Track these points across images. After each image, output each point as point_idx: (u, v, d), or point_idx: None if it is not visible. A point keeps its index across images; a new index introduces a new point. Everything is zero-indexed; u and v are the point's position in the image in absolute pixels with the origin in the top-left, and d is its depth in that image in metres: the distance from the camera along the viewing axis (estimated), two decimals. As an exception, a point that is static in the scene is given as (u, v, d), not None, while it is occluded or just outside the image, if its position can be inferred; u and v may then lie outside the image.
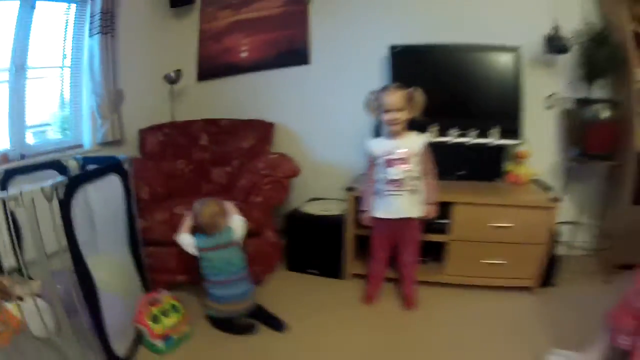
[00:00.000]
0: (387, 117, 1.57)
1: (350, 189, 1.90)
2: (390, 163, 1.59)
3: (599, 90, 2.06)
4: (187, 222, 1.60)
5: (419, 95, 1.57)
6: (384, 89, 1.59)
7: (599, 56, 1.95)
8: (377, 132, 2.21)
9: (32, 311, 1.32)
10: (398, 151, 1.59)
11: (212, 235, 1.55)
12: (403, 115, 1.57)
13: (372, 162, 1.68)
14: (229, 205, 1.64)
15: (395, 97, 1.55)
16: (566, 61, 2.12)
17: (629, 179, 1.98)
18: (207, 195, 1.71)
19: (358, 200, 1.93)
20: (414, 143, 1.61)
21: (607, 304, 1.30)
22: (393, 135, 1.61)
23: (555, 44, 1.99)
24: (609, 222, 2.18)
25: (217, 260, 1.55)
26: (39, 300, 1.37)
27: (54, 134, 2.19)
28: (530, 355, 1.50)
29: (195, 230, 1.59)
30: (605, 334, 1.29)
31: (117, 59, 2.18)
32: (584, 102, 2.01)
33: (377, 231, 1.75)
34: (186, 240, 1.58)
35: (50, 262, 1.15)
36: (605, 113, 1.93)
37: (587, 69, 2.02)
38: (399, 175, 1.58)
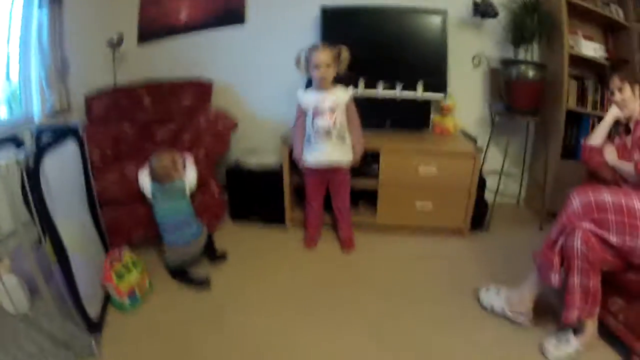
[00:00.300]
0: (316, 72, 1.69)
1: (285, 140, 2.02)
2: (317, 113, 1.73)
3: (523, 53, 2.22)
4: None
5: (345, 53, 1.71)
6: (313, 47, 1.71)
7: (528, 22, 2.09)
8: (308, 87, 2.34)
9: (2, 291, 1.38)
10: (325, 103, 1.72)
11: (164, 185, 1.67)
12: (331, 71, 1.70)
13: (300, 112, 1.81)
14: (186, 158, 1.77)
15: (324, 55, 1.67)
16: (494, 25, 2.28)
17: (558, 135, 2.16)
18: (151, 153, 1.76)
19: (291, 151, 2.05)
20: (340, 96, 1.75)
21: (537, 247, 1.41)
22: (321, 88, 1.74)
23: (483, 9, 2.12)
24: (539, 173, 2.36)
25: (167, 209, 1.67)
26: (11, 278, 1.43)
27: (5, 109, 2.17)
28: (463, 291, 1.64)
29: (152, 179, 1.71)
30: (535, 271, 1.38)
31: (63, 27, 2.18)
32: (509, 63, 2.17)
33: (310, 179, 1.91)
34: (144, 183, 1.70)
35: (18, 236, 1.17)
36: (529, 73, 2.09)
37: (515, 34, 2.17)
38: (326, 125, 1.72)
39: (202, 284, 1.66)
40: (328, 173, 1.84)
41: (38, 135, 1.53)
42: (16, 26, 2.05)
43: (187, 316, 1.51)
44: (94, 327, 1.35)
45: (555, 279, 1.28)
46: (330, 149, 1.76)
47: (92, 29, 2.38)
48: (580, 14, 2.23)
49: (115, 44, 2.34)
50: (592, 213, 1.22)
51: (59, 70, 2.16)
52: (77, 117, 2.26)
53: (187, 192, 1.72)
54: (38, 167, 1.19)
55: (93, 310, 1.38)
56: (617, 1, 2.27)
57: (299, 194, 2.28)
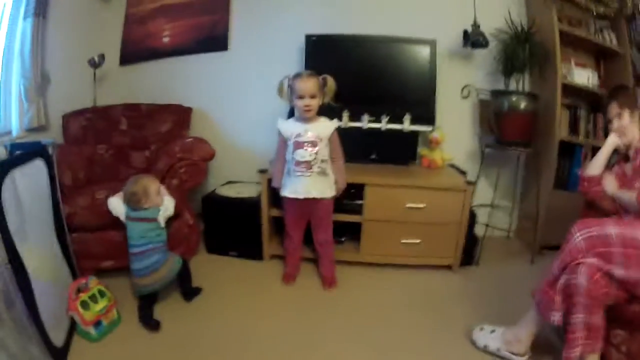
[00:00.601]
0: (300, 103, 1.61)
1: (263, 171, 1.96)
2: (298, 145, 1.65)
3: (514, 83, 2.18)
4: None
5: (331, 82, 1.63)
6: (298, 75, 1.63)
7: (520, 52, 2.06)
8: (291, 116, 2.28)
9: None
10: (307, 134, 1.65)
11: (136, 210, 1.60)
12: (316, 102, 1.62)
13: (282, 141, 1.73)
14: (161, 187, 1.69)
15: (309, 84, 1.59)
16: (484, 55, 2.24)
17: (550, 165, 2.11)
18: (126, 179, 1.69)
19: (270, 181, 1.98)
20: (324, 128, 1.67)
21: (533, 283, 1.34)
22: (305, 119, 1.66)
23: (474, 39, 2.10)
24: (531, 206, 2.29)
25: (134, 231, 1.60)
26: None
27: None
28: (454, 330, 1.55)
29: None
30: (533, 309, 1.32)
31: (46, 41, 2.13)
32: (500, 94, 2.13)
33: (289, 211, 1.81)
34: (116, 205, 1.63)
35: None
36: (521, 104, 2.04)
37: (506, 64, 2.13)
38: (307, 157, 1.64)
39: (151, 327, 1.55)
40: (309, 205, 1.74)
41: (11, 151, 1.50)
42: (3, 36, 2.01)
43: (153, 350, 1.42)
44: (58, 353, 1.29)
45: (556, 317, 1.21)
46: (310, 183, 1.67)
47: (75, 46, 2.35)
48: (572, 42, 2.20)
49: (97, 64, 2.29)
50: (596, 247, 1.16)
51: (38, 84, 2.10)
52: (55, 136, 2.20)
53: (161, 220, 1.63)
54: (0, 183, 1.14)
55: (57, 337, 1.32)
56: (610, 27, 2.24)
57: (279, 226, 2.20)
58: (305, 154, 1.64)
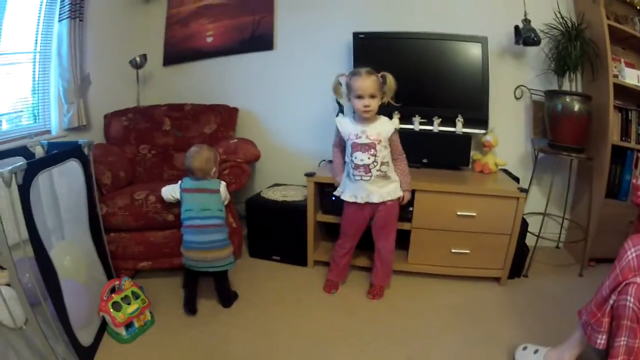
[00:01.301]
0: (359, 103, 1.50)
1: (310, 175, 1.87)
2: (356, 147, 1.55)
3: (567, 83, 2.07)
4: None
5: (391, 80, 1.51)
6: (356, 72, 1.51)
7: (571, 50, 1.95)
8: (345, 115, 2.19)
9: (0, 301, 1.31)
10: (365, 136, 1.54)
11: (198, 180, 1.56)
12: (375, 102, 1.50)
13: (339, 138, 1.64)
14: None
15: (368, 82, 1.47)
16: (536, 53, 2.13)
17: (602, 172, 1.99)
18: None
19: (319, 186, 1.90)
20: (383, 128, 1.56)
21: (580, 299, 1.26)
22: (363, 120, 1.55)
23: (525, 36, 1.98)
24: (581, 215, 2.17)
25: (194, 203, 1.54)
26: (8, 290, 1.34)
27: (26, 121, 2.13)
28: (498, 347, 1.45)
29: (185, 174, 1.62)
30: (578, 330, 1.24)
31: (84, 43, 2.14)
32: (553, 94, 2.01)
33: (347, 215, 1.69)
34: (168, 188, 1.61)
35: (17, 250, 1.12)
36: (575, 106, 1.93)
37: (558, 62, 2.03)
38: (365, 160, 1.54)
39: (189, 309, 1.57)
40: (370, 209, 1.63)
41: (48, 150, 1.53)
42: (37, 39, 2.04)
43: (184, 355, 1.37)
44: (84, 353, 1.28)
45: (601, 340, 1.13)
46: (370, 187, 1.57)
47: (116, 47, 2.36)
48: (620, 40, 2.08)
49: (138, 65, 2.28)
50: None
51: (78, 86, 2.11)
52: (96, 136, 2.21)
53: (222, 195, 1.58)
54: (29, 182, 1.13)
55: (85, 336, 1.32)
56: None
57: (325, 231, 2.13)
58: (364, 157, 1.53)
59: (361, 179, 1.57)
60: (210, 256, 1.54)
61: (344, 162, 1.67)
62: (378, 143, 1.55)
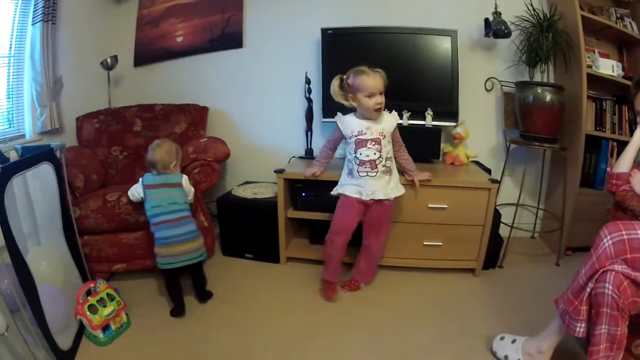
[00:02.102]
0: (371, 101, 1.49)
1: (279, 171, 1.87)
2: (361, 144, 1.55)
3: (539, 75, 2.08)
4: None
5: (384, 75, 1.53)
6: (361, 72, 1.49)
7: (543, 42, 1.96)
8: (310, 117, 2.19)
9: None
10: (371, 132, 1.54)
11: (161, 174, 1.56)
12: (383, 98, 1.51)
13: (338, 136, 1.65)
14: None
15: (377, 80, 1.48)
16: (507, 45, 2.14)
17: (577, 162, 2.00)
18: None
19: (289, 182, 1.90)
20: (387, 123, 1.57)
21: (557, 288, 1.26)
22: (369, 117, 1.55)
23: (496, 28, 1.99)
24: (556, 205, 2.18)
25: (160, 199, 1.53)
26: None
27: (0, 126, 2.11)
28: (476, 338, 1.46)
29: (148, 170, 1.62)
30: (556, 319, 1.23)
31: (57, 46, 2.13)
32: (524, 85, 2.02)
33: (343, 212, 1.64)
34: (133, 188, 1.60)
35: None
36: (546, 96, 1.93)
37: (530, 54, 2.03)
38: (372, 156, 1.54)
39: (178, 312, 1.56)
40: (370, 206, 1.61)
41: (23, 154, 1.55)
42: (11, 43, 2.02)
43: (162, 355, 1.36)
44: (64, 357, 1.27)
45: (580, 329, 1.13)
46: (376, 183, 1.56)
47: (88, 49, 2.34)
48: (594, 31, 2.08)
49: (110, 66, 2.27)
50: (625, 252, 1.05)
51: (51, 89, 2.09)
52: (69, 139, 2.19)
53: (185, 188, 1.58)
54: (3, 187, 1.13)
55: (64, 340, 1.30)
56: (631, 15, 2.12)
57: (296, 227, 2.12)
58: (370, 152, 1.53)
59: (367, 175, 1.56)
60: (186, 248, 1.54)
61: (329, 158, 1.69)
62: (383, 138, 1.55)
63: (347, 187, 1.61)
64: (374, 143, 1.53)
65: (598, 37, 2.15)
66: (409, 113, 2.01)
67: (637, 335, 1.17)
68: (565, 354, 1.33)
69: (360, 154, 1.54)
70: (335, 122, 1.64)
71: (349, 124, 1.58)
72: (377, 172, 1.55)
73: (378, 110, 1.51)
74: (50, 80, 2.07)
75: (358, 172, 1.56)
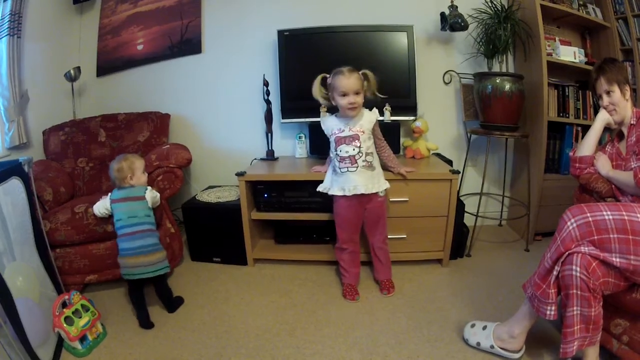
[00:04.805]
0: (343, 101, 1.53)
1: (240, 174, 1.90)
2: (340, 141, 1.59)
3: (497, 65, 2.11)
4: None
5: (372, 76, 1.57)
6: (338, 72, 1.54)
7: (501, 33, 1.98)
8: (269, 118, 2.21)
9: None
10: (349, 129, 1.59)
11: (124, 188, 1.60)
12: (360, 98, 1.55)
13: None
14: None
15: (352, 80, 1.52)
16: (464, 38, 2.16)
17: (540, 149, 2.04)
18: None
19: (251, 184, 1.93)
20: (366, 120, 1.61)
21: (528, 273, 1.26)
22: (348, 116, 1.59)
23: (452, 22, 2.01)
24: (522, 192, 2.22)
25: (123, 212, 1.58)
26: None
27: None
28: (447, 327, 1.48)
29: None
30: (526, 303, 1.24)
31: (22, 60, 2.13)
32: (482, 76, 2.05)
33: (340, 213, 1.70)
34: (99, 204, 1.64)
35: None
36: (505, 86, 1.96)
37: (487, 45, 2.06)
38: (351, 152, 1.58)
39: (144, 324, 1.56)
40: (361, 204, 1.65)
41: None
42: None
43: None
44: None
45: (551, 312, 1.13)
46: (357, 178, 1.60)
47: (52, 61, 2.35)
48: (555, 19, 2.12)
49: (73, 78, 2.28)
50: (591, 234, 1.07)
51: (17, 103, 2.10)
52: (37, 152, 2.20)
53: (148, 199, 1.61)
54: None
55: (45, 354, 1.31)
56: (594, 1, 2.14)
57: (261, 229, 2.15)
58: (349, 148, 1.57)
59: (347, 170, 1.60)
60: (143, 260, 1.56)
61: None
62: (362, 134, 1.59)
63: (333, 186, 1.66)
64: (352, 139, 1.58)
65: (559, 25, 2.18)
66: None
67: (616, 315, 1.19)
68: (541, 337, 1.35)
69: (340, 150, 1.59)
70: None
71: (329, 123, 1.64)
72: (357, 167, 1.59)
73: (351, 109, 1.55)
74: (17, 94, 2.08)
75: (339, 168, 1.61)
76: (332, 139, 1.62)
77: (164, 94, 2.40)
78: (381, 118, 1.72)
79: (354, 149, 1.57)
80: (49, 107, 2.31)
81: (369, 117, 1.61)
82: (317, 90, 1.60)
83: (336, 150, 1.60)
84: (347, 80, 1.51)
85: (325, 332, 1.49)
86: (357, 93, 1.53)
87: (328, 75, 1.59)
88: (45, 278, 1.53)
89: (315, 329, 1.52)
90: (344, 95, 1.53)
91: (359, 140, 1.57)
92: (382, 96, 1.63)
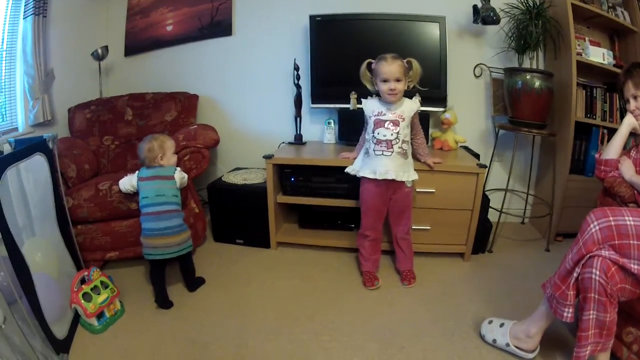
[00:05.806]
0: (384, 86, 1.55)
1: (268, 157, 1.90)
2: (380, 123, 1.60)
3: (528, 61, 2.09)
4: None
5: (417, 65, 1.57)
6: (381, 58, 1.56)
7: (533, 29, 1.97)
8: (299, 103, 2.21)
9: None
10: (390, 113, 1.59)
11: (153, 167, 1.59)
12: (401, 85, 1.56)
13: (365, 119, 1.69)
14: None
15: (393, 67, 1.53)
16: (496, 32, 2.15)
17: (566, 148, 2.01)
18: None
19: (278, 168, 1.92)
20: (407, 108, 1.61)
21: (547, 273, 1.26)
22: (387, 101, 1.60)
23: (484, 15, 2.00)
24: (546, 191, 2.20)
25: (150, 190, 1.56)
26: None
27: None
28: (464, 322, 1.47)
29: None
30: (544, 303, 1.24)
31: (48, 39, 2.14)
32: (513, 72, 2.03)
33: (367, 197, 1.69)
34: (125, 180, 1.64)
35: None
36: (535, 83, 1.94)
37: (518, 41, 2.05)
38: (388, 136, 1.58)
39: (163, 304, 1.56)
40: (388, 191, 1.65)
41: (16, 147, 1.52)
42: (3, 37, 2.03)
43: (156, 341, 1.37)
44: (60, 345, 1.28)
45: (568, 314, 1.12)
46: (390, 163, 1.59)
47: (79, 41, 2.36)
48: (585, 20, 2.09)
49: (100, 57, 2.28)
50: (612, 238, 1.06)
51: (43, 81, 2.11)
52: (62, 130, 2.21)
53: (177, 179, 1.61)
54: None
55: (60, 329, 1.31)
56: (624, 4, 2.13)
57: (285, 213, 2.14)
58: (387, 132, 1.58)
59: (382, 154, 1.60)
60: (169, 241, 1.56)
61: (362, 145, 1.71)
62: (402, 121, 1.59)
63: (364, 168, 1.65)
64: (391, 124, 1.58)
65: (589, 25, 2.16)
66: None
67: (628, 323, 1.18)
68: (555, 338, 1.34)
69: (378, 133, 1.59)
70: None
71: (371, 105, 1.65)
72: (392, 152, 1.59)
73: (391, 95, 1.56)
74: (42, 72, 2.09)
75: (374, 150, 1.61)
76: (371, 121, 1.62)
77: (192, 75, 2.40)
78: (423, 108, 1.73)
79: (392, 134, 1.58)
80: (75, 85, 2.32)
81: (411, 106, 1.62)
82: (364, 75, 1.61)
83: (373, 133, 1.60)
84: (389, 67, 1.52)
85: (344, 320, 1.49)
86: (398, 80, 1.54)
87: (373, 61, 1.60)
88: (65, 254, 1.55)
89: (335, 316, 1.51)
90: (385, 81, 1.54)
91: (398, 126, 1.58)
92: (422, 89, 1.63)
